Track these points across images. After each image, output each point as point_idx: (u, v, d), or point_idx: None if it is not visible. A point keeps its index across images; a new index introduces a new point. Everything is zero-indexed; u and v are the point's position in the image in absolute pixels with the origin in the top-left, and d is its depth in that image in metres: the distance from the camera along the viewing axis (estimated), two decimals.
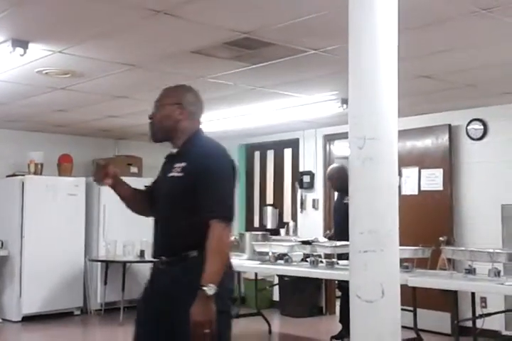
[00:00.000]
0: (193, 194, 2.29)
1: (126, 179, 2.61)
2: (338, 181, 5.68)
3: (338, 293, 6.04)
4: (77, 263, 6.93)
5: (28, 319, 6.52)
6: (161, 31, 3.57)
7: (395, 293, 2.01)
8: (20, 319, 6.50)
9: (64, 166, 7.02)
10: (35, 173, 6.72)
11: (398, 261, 2.05)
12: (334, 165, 6.01)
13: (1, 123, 6.78)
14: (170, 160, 2.47)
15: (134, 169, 7.29)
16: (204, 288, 2.14)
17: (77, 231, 6.93)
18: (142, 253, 6.69)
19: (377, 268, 1.95)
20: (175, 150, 2.48)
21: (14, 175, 6.78)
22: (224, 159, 2.38)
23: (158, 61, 4.20)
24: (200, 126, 2.51)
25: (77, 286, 6.94)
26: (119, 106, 5.69)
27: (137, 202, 2.59)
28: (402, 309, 2.12)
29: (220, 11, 3.22)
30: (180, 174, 2.36)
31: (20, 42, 3.64)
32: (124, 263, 6.51)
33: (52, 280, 6.72)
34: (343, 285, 5.22)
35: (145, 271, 7.31)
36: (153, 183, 2.59)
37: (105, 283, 6.86)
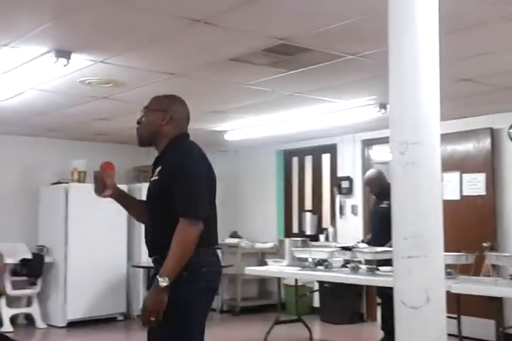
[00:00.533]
0: (168, 195, 2.42)
1: None
2: (378, 186, 5.65)
3: (380, 300, 5.98)
4: (120, 269, 7.04)
5: (73, 324, 6.64)
6: (200, 40, 3.61)
7: (440, 299, 1.98)
8: (65, 324, 6.62)
9: None
10: (78, 181, 6.86)
11: (443, 267, 2.03)
12: (372, 170, 5.97)
13: (45, 133, 6.95)
14: (154, 165, 2.62)
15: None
16: (159, 279, 2.32)
17: (120, 238, 7.06)
18: None
19: (421, 274, 1.93)
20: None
21: (59, 182, 6.93)
22: (196, 161, 2.49)
23: (197, 69, 4.26)
24: (183, 132, 2.63)
25: (120, 292, 7.04)
26: None
27: (139, 211, 2.75)
28: (446, 316, 2.09)
29: (257, 18, 3.24)
30: (156, 177, 2.52)
31: (63, 53, 3.72)
32: None
33: (96, 286, 6.84)
34: (384, 292, 5.16)
35: None
36: None
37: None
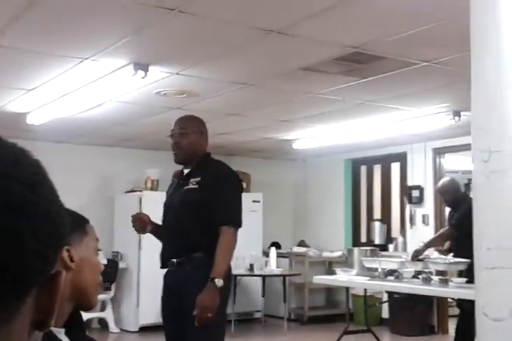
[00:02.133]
0: (204, 203, 2.75)
1: None
2: (451, 195, 5.47)
3: (451, 312, 5.81)
4: None
5: (145, 329, 6.79)
6: (271, 50, 3.66)
7: None
8: (137, 329, 6.74)
9: None
10: (151, 189, 7.02)
11: None
12: (446, 179, 5.76)
13: (120, 142, 7.18)
14: (185, 178, 2.92)
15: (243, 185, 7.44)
16: (215, 280, 2.60)
17: None
18: (251, 266, 6.81)
19: (505, 286, 1.88)
20: (187, 170, 2.94)
21: (132, 190, 7.12)
22: (233, 176, 2.91)
23: (268, 79, 4.31)
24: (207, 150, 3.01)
25: None
26: (230, 123, 5.87)
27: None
28: None
29: (331, 27, 3.26)
30: (195, 186, 2.82)
31: (142, 66, 3.85)
32: (235, 276, 6.64)
33: None
34: (462, 304, 5.01)
35: (255, 284, 7.42)
36: (164, 205, 3.05)
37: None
